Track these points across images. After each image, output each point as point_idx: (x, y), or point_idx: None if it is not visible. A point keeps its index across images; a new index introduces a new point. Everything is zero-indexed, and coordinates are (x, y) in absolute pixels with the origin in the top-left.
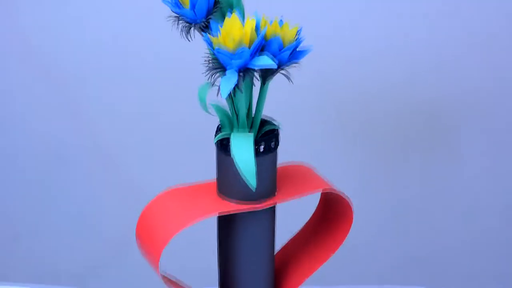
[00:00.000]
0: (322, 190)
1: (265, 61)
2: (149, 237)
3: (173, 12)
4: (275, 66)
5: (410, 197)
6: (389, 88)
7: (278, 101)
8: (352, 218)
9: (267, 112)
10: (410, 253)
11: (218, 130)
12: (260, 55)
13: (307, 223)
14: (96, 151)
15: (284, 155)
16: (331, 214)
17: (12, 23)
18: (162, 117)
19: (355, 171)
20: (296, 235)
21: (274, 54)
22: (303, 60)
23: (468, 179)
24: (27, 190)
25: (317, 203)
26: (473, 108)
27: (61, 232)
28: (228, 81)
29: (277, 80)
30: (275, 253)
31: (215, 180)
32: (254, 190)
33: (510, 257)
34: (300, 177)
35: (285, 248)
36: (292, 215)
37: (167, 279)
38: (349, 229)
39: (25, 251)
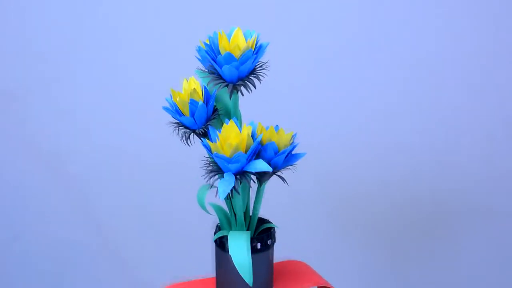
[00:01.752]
0: (317, 286)
1: (261, 165)
2: None
3: (174, 118)
4: (270, 170)
5: None
6: (388, 184)
7: (276, 197)
8: None
9: (264, 207)
10: None
11: (218, 228)
12: (256, 159)
13: None
14: (102, 245)
15: (281, 251)
16: None
17: (23, 130)
18: (164, 215)
19: (354, 267)
20: None
21: (269, 158)
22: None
23: (467, 274)
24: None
25: None
26: (474, 204)
27: None
28: (226, 183)
29: (274, 180)
30: None
31: (214, 277)
32: (251, 286)
33: None
34: (295, 273)
35: None
36: None
37: None
38: None
39: None
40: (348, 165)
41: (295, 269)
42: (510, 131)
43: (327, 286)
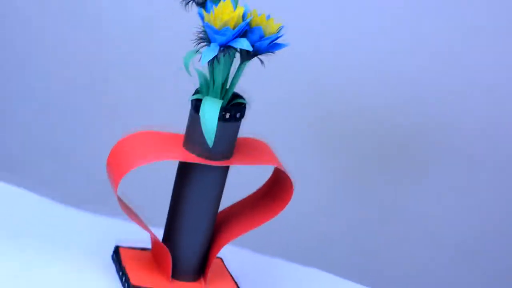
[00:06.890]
0: (272, 165)
1: (243, 43)
2: (117, 164)
3: None
4: (251, 49)
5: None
6: (370, 108)
7: (270, 101)
8: (292, 194)
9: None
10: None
11: (196, 91)
12: (241, 37)
13: (253, 193)
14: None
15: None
16: (277, 189)
17: None
18: (158, 83)
19: (323, 176)
20: (240, 201)
21: (254, 41)
22: (299, 66)
23: (433, 205)
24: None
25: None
26: (445, 141)
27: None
28: (210, 51)
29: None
30: (219, 211)
31: (183, 134)
32: (210, 146)
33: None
34: (256, 150)
35: (228, 209)
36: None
37: (122, 203)
38: (288, 202)
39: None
40: (341, 80)
41: (256, 146)
42: None
43: (279, 167)
